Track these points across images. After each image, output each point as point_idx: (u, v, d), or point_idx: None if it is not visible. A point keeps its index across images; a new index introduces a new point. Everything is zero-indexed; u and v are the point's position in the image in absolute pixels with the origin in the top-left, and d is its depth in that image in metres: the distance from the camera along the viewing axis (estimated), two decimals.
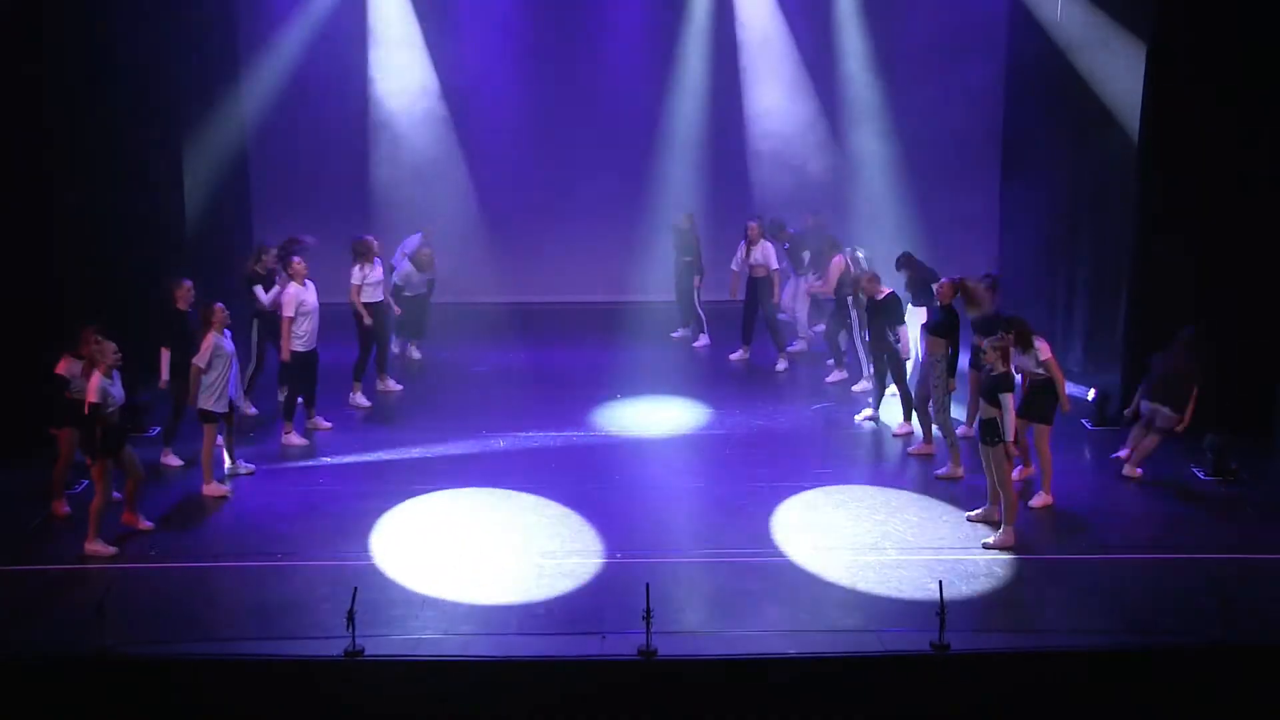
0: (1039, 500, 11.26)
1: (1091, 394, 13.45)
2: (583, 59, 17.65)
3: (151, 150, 14.47)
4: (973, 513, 11.08)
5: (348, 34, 17.46)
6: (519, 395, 14.45)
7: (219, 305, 11.71)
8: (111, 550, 10.56)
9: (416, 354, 15.72)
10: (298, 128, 17.56)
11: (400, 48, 17.59)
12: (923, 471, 12.24)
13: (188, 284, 12.21)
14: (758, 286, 15.20)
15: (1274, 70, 12.02)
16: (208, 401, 11.55)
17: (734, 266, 15.60)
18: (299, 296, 12.74)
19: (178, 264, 14.51)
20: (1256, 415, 12.31)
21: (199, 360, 11.47)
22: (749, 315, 15.46)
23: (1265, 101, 12.09)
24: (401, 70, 17.62)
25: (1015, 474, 11.31)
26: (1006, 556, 10.46)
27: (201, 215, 15.60)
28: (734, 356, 15.65)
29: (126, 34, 13.81)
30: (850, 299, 14.12)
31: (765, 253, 15.10)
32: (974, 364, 12.06)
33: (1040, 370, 11.22)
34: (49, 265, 12.60)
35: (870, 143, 17.66)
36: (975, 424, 11.51)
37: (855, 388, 14.31)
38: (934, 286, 12.50)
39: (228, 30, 16.49)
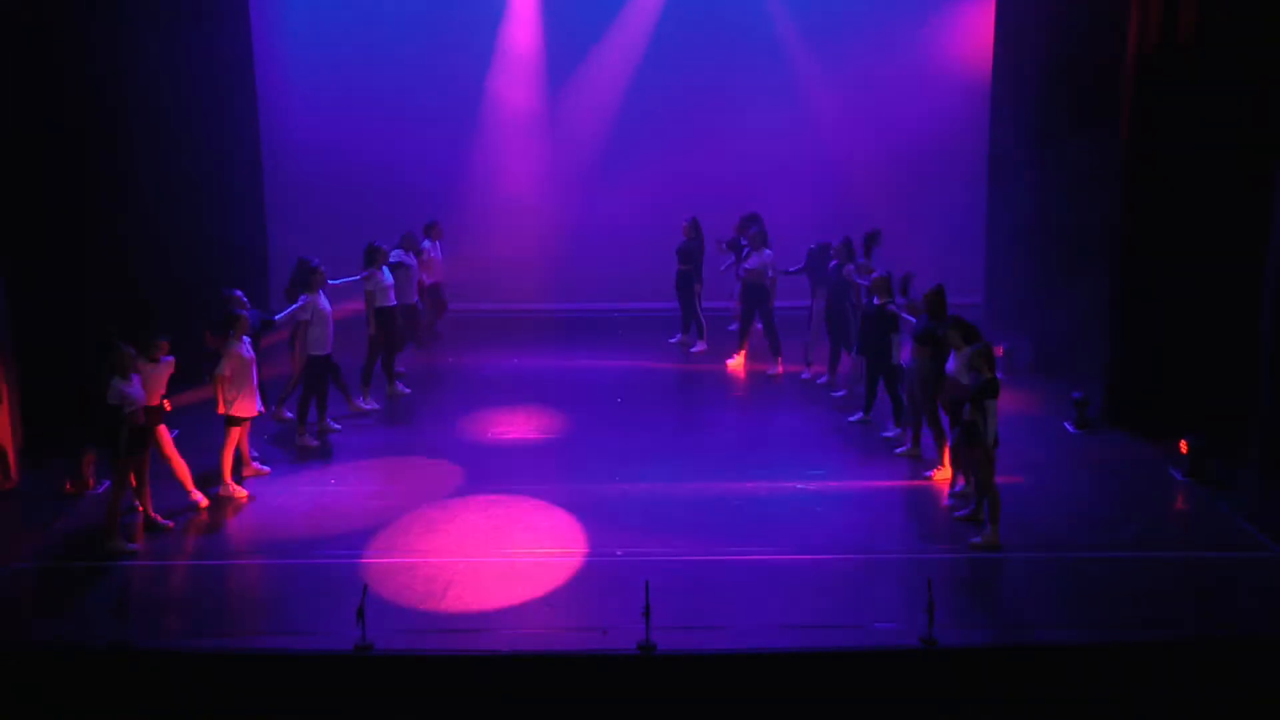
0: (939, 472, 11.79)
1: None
2: (587, 66, 17.67)
3: (170, 164, 14.46)
4: (959, 513, 11.10)
5: (360, 42, 17.50)
6: (523, 399, 14.45)
7: (245, 314, 11.73)
8: (132, 547, 10.57)
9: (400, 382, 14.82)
10: (311, 134, 17.58)
11: (411, 56, 17.63)
12: (911, 473, 12.25)
13: (239, 294, 12.13)
14: (753, 293, 15.18)
15: (1249, 76, 12.01)
16: (232, 407, 11.56)
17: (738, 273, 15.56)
18: (314, 303, 12.79)
19: (197, 274, 14.55)
20: (1230, 419, 12.32)
21: (222, 369, 11.49)
22: (745, 321, 15.45)
23: (1241, 113, 12.10)
24: (414, 77, 17.64)
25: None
26: (992, 555, 10.48)
27: (220, 225, 15.59)
28: (730, 362, 15.63)
29: (138, 36, 13.72)
30: (849, 305, 14.10)
31: (762, 259, 15.07)
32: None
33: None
34: (79, 277, 12.64)
35: (855, 150, 17.69)
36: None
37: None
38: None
39: (241, 40, 16.51)
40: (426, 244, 15.77)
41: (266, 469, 12.22)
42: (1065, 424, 13.37)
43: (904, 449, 12.61)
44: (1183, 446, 11.98)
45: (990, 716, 8.81)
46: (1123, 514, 11.23)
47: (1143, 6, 12.43)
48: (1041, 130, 15.10)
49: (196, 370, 12.63)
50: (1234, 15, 12.06)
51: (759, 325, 15.35)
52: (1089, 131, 13.90)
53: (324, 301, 12.90)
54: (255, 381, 11.70)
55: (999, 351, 13.12)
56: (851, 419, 13.52)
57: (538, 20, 17.71)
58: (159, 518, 11.02)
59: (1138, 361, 13.01)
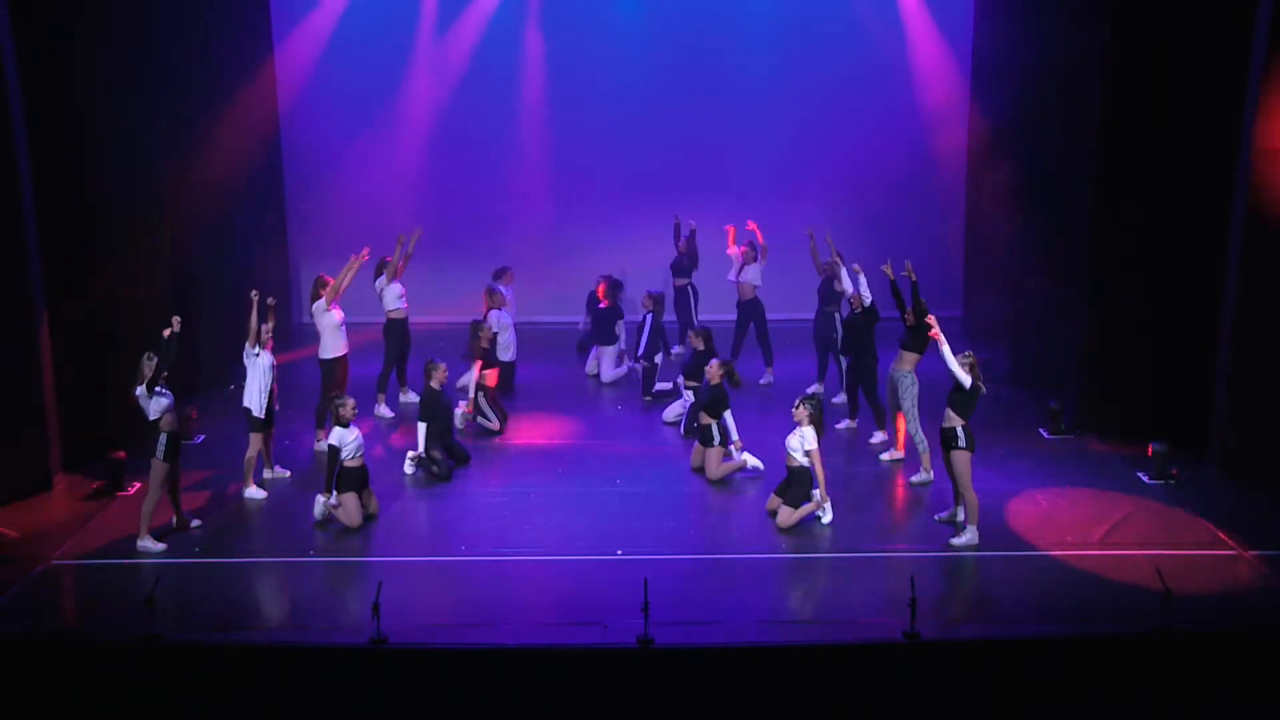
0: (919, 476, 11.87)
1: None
2: (585, 80, 17.68)
3: (200, 194, 14.51)
4: (941, 514, 11.12)
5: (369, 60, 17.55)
6: (526, 406, 14.44)
7: (264, 325, 11.77)
8: (161, 546, 10.60)
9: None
10: (329, 149, 17.65)
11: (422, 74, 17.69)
12: (895, 475, 12.27)
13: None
14: (747, 306, 15.22)
15: (1213, 116, 12.07)
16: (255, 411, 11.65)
17: (730, 278, 15.53)
18: (324, 311, 12.90)
19: (217, 290, 14.62)
20: (1193, 426, 12.36)
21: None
22: (739, 333, 15.44)
23: (1205, 144, 12.15)
24: (429, 103, 17.69)
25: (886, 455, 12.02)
26: (972, 553, 10.51)
27: (244, 247, 15.65)
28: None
29: (169, 68, 13.69)
30: (836, 314, 14.10)
31: (756, 274, 15.12)
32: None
33: (805, 459, 11.02)
34: (113, 293, 12.73)
35: (837, 166, 17.74)
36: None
37: (835, 400, 14.29)
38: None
39: (265, 68, 16.55)
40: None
41: (285, 472, 12.25)
42: (1041, 430, 13.40)
43: (889, 453, 12.63)
44: (1149, 451, 12.02)
45: (971, 705, 8.84)
46: (1094, 514, 11.24)
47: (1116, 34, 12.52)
48: (1017, 150, 15.14)
49: (221, 381, 12.66)
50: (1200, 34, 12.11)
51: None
52: (1062, 152, 13.94)
53: (336, 312, 12.94)
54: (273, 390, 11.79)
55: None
56: (839, 425, 13.54)
57: (548, 40, 17.71)
58: (187, 518, 11.05)
59: (1108, 370, 13.04)
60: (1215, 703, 8.80)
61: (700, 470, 12.27)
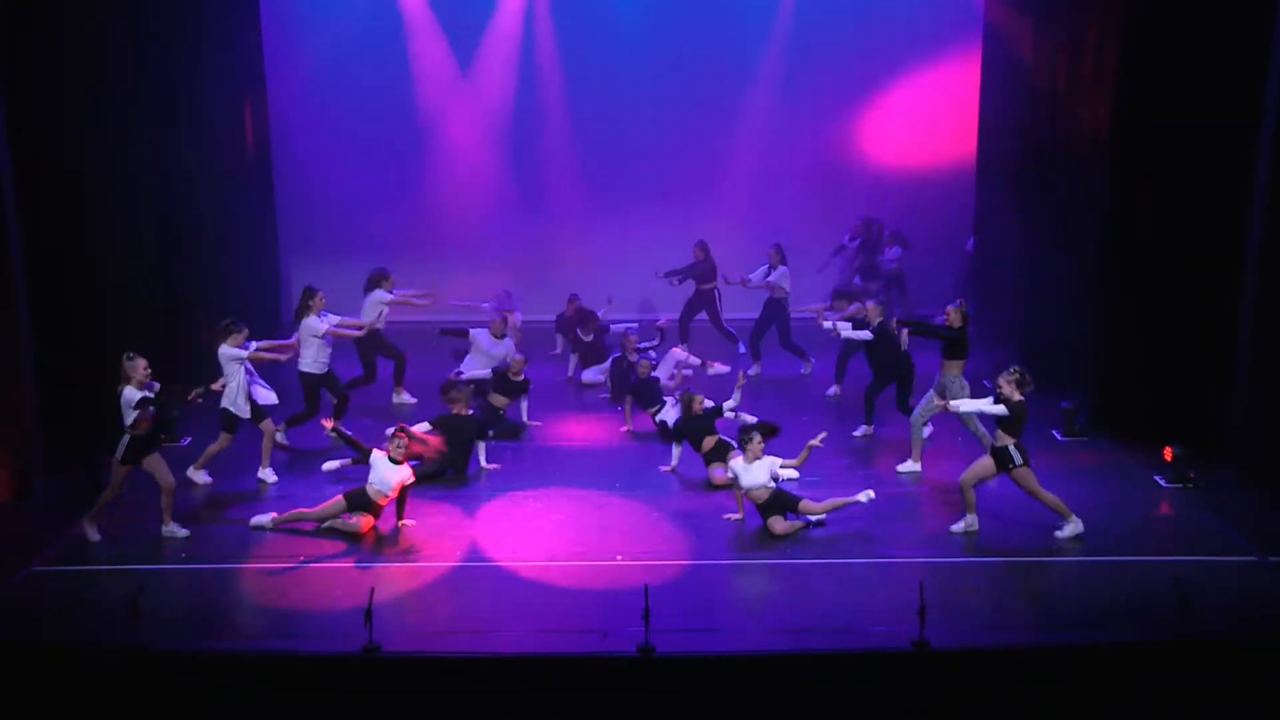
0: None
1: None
2: (588, 85, 17.71)
3: (180, 186, 14.48)
4: (956, 527, 10.99)
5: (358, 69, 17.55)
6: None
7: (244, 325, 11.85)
8: (98, 537, 10.68)
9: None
10: (321, 149, 17.67)
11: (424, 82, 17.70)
12: (905, 480, 12.21)
13: (244, 329, 12.05)
14: (772, 307, 15.23)
15: (1229, 112, 12.02)
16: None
17: (753, 279, 15.51)
18: (315, 326, 12.91)
19: (213, 297, 14.62)
20: (1211, 429, 12.30)
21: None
22: (758, 332, 15.47)
23: (1222, 139, 12.10)
24: (419, 92, 17.71)
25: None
26: (983, 559, 10.45)
27: (234, 255, 15.64)
28: (750, 373, 15.52)
29: (148, 56, 13.66)
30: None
31: (782, 276, 15.12)
32: None
33: (772, 483, 11.01)
34: (99, 292, 12.74)
35: (848, 166, 17.75)
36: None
37: (829, 393, 14.26)
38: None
39: (255, 72, 16.55)
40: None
41: (274, 478, 12.20)
42: (1054, 432, 13.34)
43: (905, 464, 12.46)
44: (1167, 454, 11.97)
45: (981, 716, 8.77)
46: (1109, 518, 11.19)
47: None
48: (1027, 147, 15.12)
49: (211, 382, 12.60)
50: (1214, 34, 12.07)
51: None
52: (1074, 149, 13.91)
53: (318, 324, 12.90)
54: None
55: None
56: (855, 433, 13.45)
57: (551, 50, 17.74)
58: (176, 525, 10.98)
59: (1124, 371, 12.99)
60: (1233, 712, 8.72)
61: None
